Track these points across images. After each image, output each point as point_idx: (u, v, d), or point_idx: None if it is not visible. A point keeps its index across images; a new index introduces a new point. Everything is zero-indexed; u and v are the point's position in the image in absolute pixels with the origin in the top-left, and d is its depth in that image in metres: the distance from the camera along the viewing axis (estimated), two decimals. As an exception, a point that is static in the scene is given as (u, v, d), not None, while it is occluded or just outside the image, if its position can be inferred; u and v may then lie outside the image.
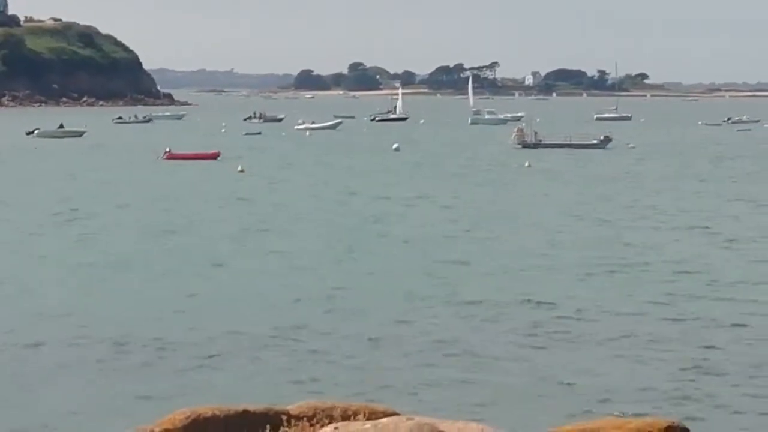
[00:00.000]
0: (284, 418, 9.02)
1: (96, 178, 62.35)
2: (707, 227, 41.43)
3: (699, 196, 54.01)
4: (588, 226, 41.97)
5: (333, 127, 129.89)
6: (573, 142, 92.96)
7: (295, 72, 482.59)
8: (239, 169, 66.39)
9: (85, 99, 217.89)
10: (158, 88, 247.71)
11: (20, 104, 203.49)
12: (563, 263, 32.39)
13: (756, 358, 21.37)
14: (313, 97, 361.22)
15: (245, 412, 9.07)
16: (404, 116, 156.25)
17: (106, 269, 31.34)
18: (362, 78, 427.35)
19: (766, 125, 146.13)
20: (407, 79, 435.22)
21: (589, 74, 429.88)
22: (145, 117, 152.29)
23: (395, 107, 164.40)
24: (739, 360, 21.25)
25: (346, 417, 9.02)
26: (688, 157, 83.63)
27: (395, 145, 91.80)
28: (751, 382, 19.76)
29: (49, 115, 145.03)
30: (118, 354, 21.46)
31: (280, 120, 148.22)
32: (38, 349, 21.84)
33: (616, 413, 16.18)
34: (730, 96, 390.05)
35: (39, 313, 25.18)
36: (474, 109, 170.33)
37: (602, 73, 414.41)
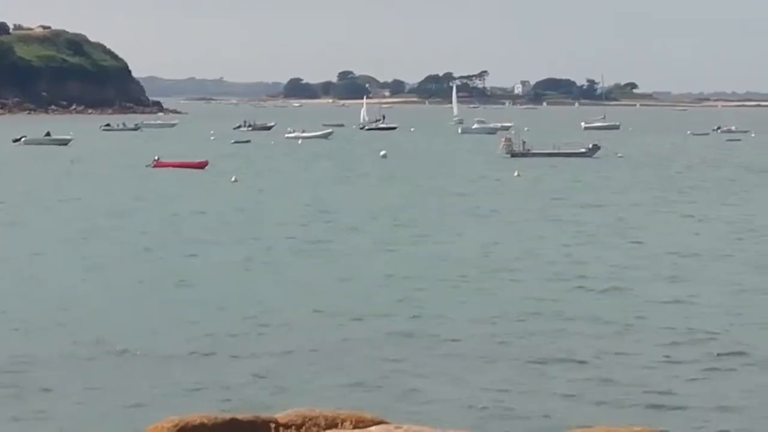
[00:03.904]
0: (272, 426, 9.04)
1: (82, 184, 62.38)
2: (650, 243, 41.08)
3: (672, 209, 52.94)
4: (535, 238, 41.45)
5: (324, 136, 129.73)
6: (561, 151, 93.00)
7: (284, 80, 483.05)
8: (233, 179, 66.00)
9: (74, 107, 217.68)
10: (147, 96, 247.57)
11: (9, 112, 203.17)
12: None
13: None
14: (301, 106, 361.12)
15: (233, 420, 9.08)
16: (393, 125, 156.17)
17: (92, 276, 31.36)
18: (351, 86, 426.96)
19: (753, 135, 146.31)
20: (397, 87, 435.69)
21: (579, 83, 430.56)
22: (136, 125, 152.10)
23: (383, 116, 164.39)
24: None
25: (333, 425, 9.04)
26: (671, 167, 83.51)
27: (382, 153, 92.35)
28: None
29: (37, 123, 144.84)
30: (106, 362, 21.45)
31: (269, 128, 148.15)
32: (29, 358, 21.81)
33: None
34: (722, 106, 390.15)
35: (27, 322, 25.19)
36: (456, 119, 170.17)
37: (591, 82, 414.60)
